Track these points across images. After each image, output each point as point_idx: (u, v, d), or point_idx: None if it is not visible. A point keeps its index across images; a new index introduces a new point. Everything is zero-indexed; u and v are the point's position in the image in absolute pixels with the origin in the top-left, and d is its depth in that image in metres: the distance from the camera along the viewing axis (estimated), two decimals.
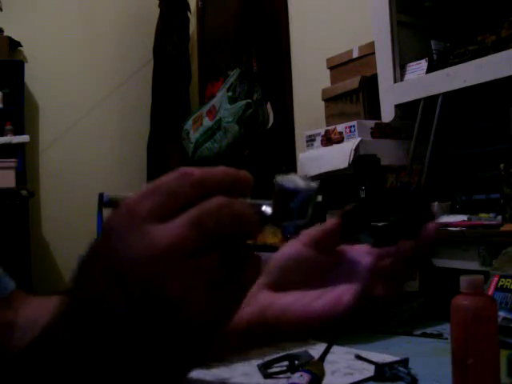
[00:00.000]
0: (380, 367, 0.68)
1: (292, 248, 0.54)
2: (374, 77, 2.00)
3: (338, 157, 1.88)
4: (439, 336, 0.87)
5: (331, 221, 0.53)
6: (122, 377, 0.35)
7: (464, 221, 1.42)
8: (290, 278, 0.54)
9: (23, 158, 3.87)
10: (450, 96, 1.70)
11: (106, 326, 0.34)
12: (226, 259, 0.35)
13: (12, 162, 3.58)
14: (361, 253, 0.53)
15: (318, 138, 2.05)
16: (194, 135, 3.48)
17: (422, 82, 1.81)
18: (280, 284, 0.54)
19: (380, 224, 0.49)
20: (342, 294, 0.50)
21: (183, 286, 0.33)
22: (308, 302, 0.51)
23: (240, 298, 0.37)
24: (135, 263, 0.33)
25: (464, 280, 0.55)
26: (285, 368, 0.70)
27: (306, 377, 0.55)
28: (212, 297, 0.34)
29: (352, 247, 0.54)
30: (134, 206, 0.34)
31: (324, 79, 2.37)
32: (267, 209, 0.41)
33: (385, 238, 0.49)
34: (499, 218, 1.38)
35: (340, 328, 0.52)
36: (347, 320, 0.50)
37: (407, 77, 1.89)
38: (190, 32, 4.15)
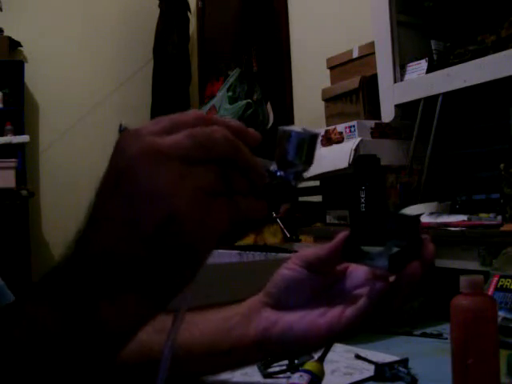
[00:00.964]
0: (380, 367, 0.68)
1: (290, 271, 0.56)
2: (374, 77, 2.00)
3: (338, 157, 1.88)
4: (439, 336, 0.87)
5: (326, 245, 0.54)
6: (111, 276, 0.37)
7: (464, 221, 1.42)
8: (290, 298, 0.55)
9: (23, 158, 3.87)
10: (449, 96, 1.70)
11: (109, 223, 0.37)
12: (224, 178, 0.38)
13: (12, 162, 3.58)
14: (359, 272, 0.55)
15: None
16: None
17: (421, 81, 1.81)
18: (281, 304, 0.55)
19: (394, 250, 0.49)
20: (343, 310, 0.52)
21: (174, 183, 0.35)
22: (312, 320, 0.53)
23: (234, 215, 0.38)
24: (131, 159, 0.36)
25: (464, 280, 0.55)
26: (284, 367, 0.70)
27: (305, 377, 0.55)
28: (206, 201, 0.36)
29: (349, 267, 0.56)
30: (140, 128, 0.38)
31: (324, 79, 2.37)
32: (271, 165, 0.42)
33: (399, 263, 0.49)
34: (499, 218, 1.38)
35: (343, 338, 0.53)
36: (350, 332, 0.52)
37: (407, 77, 1.89)
38: (190, 32, 4.15)
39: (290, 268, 0.55)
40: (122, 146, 0.37)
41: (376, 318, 0.51)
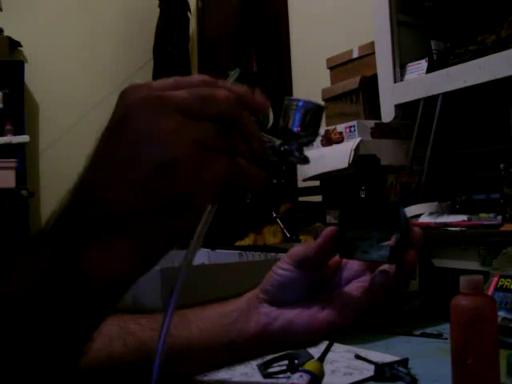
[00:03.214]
0: (380, 367, 0.68)
1: (283, 270, 0.56)
2: (374, 77, 2.00)
3: (338, 157, 1.88)
4: (439, 336, 0.87)
5: (314, 244, 0.55)
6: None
7: (464, 221, 1.42)
8: (286, 295, 0.56)
9: (23, 158, 3.87)
10: (449, 96, 1.70)
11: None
12: (226, 137, 0.38)
13: (12, 162, 3.58)
14: (354, 263, 0.56)
15: (318, 138, 2.04)
16: None
17: (422, 82, 1.81)
18: (278, 300, 0.56)
19: (388, 242, 0.50)
20: (344, 304, 0.53)
21: (174, 130, 0.35)
22: (312, 314, 0.53)
23: (233, 173, 0.38)
24: (131, 105, 0.36)
25: (464, 280, 0.55)
26: (284, 367, 0.70)
27: (305, 377, 0.55)
28: (206, 153, 0.36)
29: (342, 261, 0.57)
30: (143, 83, 0.38)
31: (324, 79, 2.37)
32: (275, 141, 0.42)
33: (397, 254, 0.50)
34: (499, 218, 1.38)
35: (344, 332, 0.54)
36: (352, 325, 0.52)
37: (407, 77, 1.89)
38: (190, 32, 4.15)
39: (282, 267, 0.56)
40: (124, 96, 0.37)
41: (376, 311, 0.52)
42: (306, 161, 0.43)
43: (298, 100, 0.42)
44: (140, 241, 0.37)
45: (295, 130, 0.42)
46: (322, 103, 0.46)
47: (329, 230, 0.53)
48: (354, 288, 0.54)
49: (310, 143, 0.43)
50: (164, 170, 0.35)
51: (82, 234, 0.37)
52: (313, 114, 0.42)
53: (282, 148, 0.42)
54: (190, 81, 0.39)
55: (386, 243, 0.53)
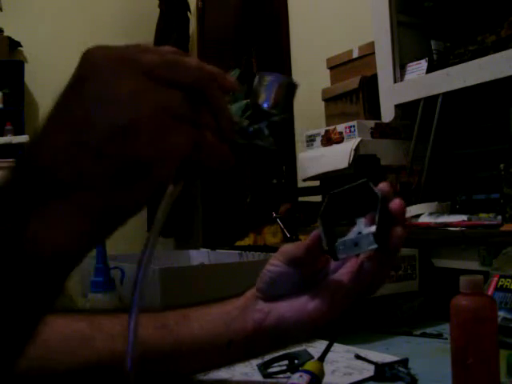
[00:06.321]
0: (380, 367, 0.68)
1: (274, 266, 0.57)
2: (374, 77, 2.00)
3: (337, 157, 1.88)
4: (439, 336, 0.87)
5: (302, 244, 0.56)
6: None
7: (464, 221, 1.42)
8: (278, 291, 0.56)
9: None
10: (449, 96, 1.70)
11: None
12: (192, 107, 0.36)
13: (12, 162, 3.58)
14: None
15: (318, 138, 2.04)
16: None
17: (422, 82, 1.80)
18: (271, 296, 0.57)
19: (373, 229, 0.50)
20: (333, 293, 0.53)
21: (137, 93, 0.33)
22: (302, 305, 0.54)
23: (198, 146, 0.35)
24: (94, 65, 0.35)
25: (464, 280, 0.55)
26: (284, 367, 0.70)
27: (305, 377, 0.55)
28: (169, 121, 0.34)
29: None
30: (112, 45, 0.37)
31: (324, 79, 2.37)
32: (244, 122, 0.40)
33: (383, 236, 0.50)
34: (499, 218, 1.38)
35: (338, 326, 0.54)
36: (343, 316, 0.53)
37: (407, 77, 1.89)
38: (190, 32, 4.15)
39: (274, 264, 0.57)
40: (87, 55, 0.36)
41: (364, 296, 0.53)
42: (271, 145, 0.40)
43: (270, 74, 0.40)
44: (91, 208, 0.34)
45: (265, 106, 0.40)
46: (297, 82, 0.43)
47: (317, 231, 0.54)
48: (342, 274, 0.54)
49: (281, 122, 0.40)
50: (123, 132, 0.33)
51: (26, 201, 0.33)
52: (285, 89, 0.40)
53: (251, 128, 0.39)
54: (161, 48, 0.37)
55: (364, 223, 0.52)
